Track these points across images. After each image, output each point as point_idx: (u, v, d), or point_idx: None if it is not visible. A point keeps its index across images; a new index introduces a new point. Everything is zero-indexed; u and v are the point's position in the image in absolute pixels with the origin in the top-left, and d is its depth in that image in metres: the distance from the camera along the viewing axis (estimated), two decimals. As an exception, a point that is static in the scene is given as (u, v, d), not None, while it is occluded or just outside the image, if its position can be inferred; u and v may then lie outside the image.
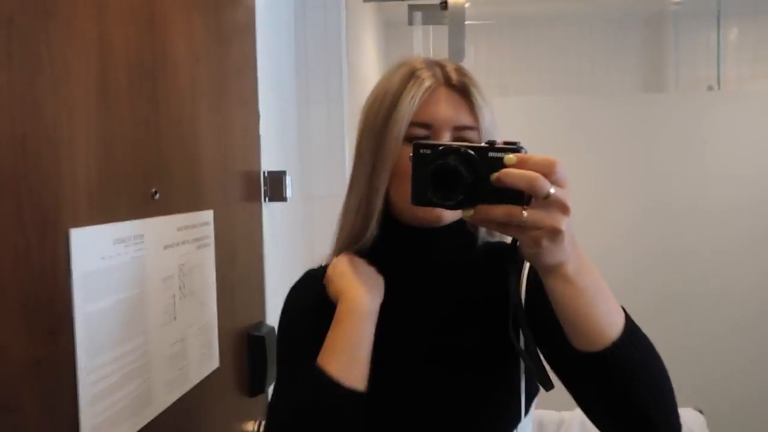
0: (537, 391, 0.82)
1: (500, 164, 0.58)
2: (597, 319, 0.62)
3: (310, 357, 0.74)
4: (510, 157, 0.58)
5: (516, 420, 0.78)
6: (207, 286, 1.03)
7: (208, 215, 1.04)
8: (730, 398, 1.83)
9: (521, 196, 0.57)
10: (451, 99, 0.79)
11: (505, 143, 0.60)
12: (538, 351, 0.72)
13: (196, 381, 0.99)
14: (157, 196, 0.86)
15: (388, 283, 0.80)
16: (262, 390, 1.27)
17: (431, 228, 0.79)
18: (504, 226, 0.59)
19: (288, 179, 1.39)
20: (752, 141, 1.88)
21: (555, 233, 0.57)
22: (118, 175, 0.77)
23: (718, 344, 1.86)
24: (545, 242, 0.58)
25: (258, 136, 1.33)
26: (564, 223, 0.58)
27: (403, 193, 0.73)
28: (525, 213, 0.57)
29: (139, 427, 0.81)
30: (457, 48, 2.63)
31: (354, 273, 0.78)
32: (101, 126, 0.74)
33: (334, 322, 0.75)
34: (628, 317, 0.65)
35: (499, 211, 0.57)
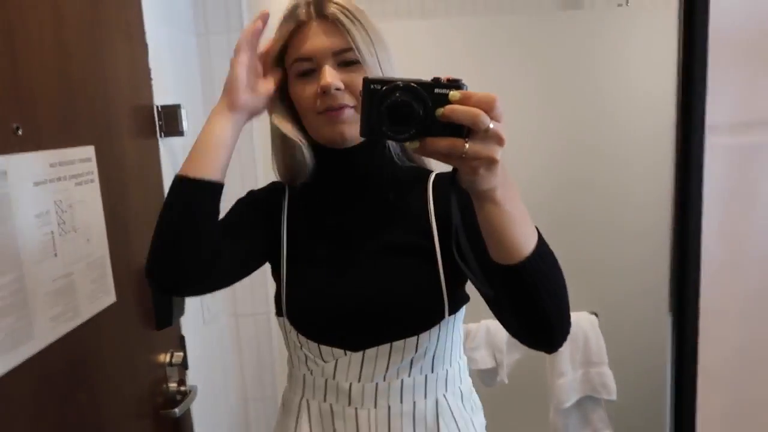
0: (465, 301, 0.93)
1: (445, 100, 0.63)
2: (516, 237, 0.69)
3: (239, 222, 0.95)
4: (454, 94, 0.63)
5: (438, 314, 0.88)
6: (93, 222, 1.03)
7: (87, 151, 1.02)
8: (619, 302, 1.98)
9: (462, 129, 0.62)
10: (323, 28, 0.87)
11: (448, 80, 0.64)
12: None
13: (89, 315, 1.00)
14: (20, 131, 0.84)
15: (324, 197, 0.96)
16: (170, 323, 1.30)
17: (350, 148, 0.90)
18: (447, 156, 0.64)
19: (184, 113, 1.37)
20: (655, 54, 1.94)
21: (491, 162, 0.64)
22: (-33, 111, 0.75)
23: (611, 255, 1.98)
24: (482, 171, 0.64)
25: (148, 69, 1.30)
26: (499, 154, 0.64)
27: (308, 124, 0.91)
28: (467, 145, 0.62)
29: (24, 358, 0.82)
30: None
31: (234, 79, 0.89)
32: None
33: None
34: (540, 237, 0.73)
35: (444, 143, 0.63)
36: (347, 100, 0.86)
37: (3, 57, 0.82)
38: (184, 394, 1.33)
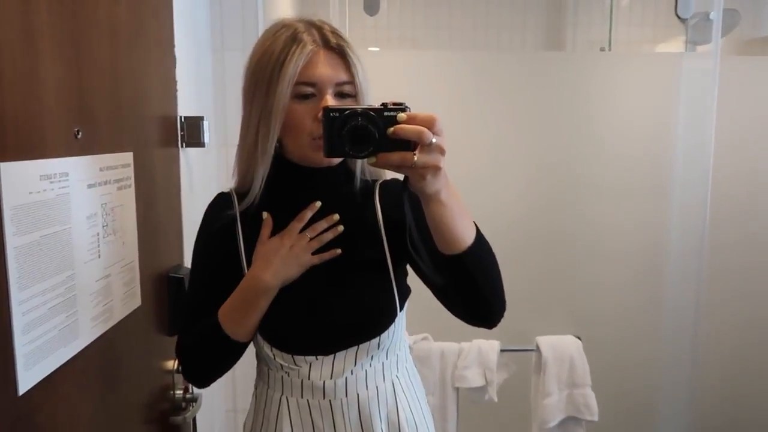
0: (408, 293, 1.05)
1: (394, 120, 0.77)
2: (459, 230, 0.84)
3: (211, 282, 1.02)
4: (402, 116, 0.77)
5: (394, 314, 1.00)
6: (129, 226, 1.06)
7: (127, 157, 1.05)
8: (604, 327, 2.07)
9: (410, 144, 0.76)
10: (330, 59, 0.94)
11: (394, 104, 0.78)
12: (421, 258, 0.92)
13: (120, 317, 1.02)
14: (80, 135, 0.88)
15: (281, 214, 1.00)
16: (182, 329, 1.31)
17: (318, 168, 0.98)
18: (398, 167, 0.78)
19: (206, 124, 1.41)
20: (637, 98, 2.07)
21: (436, 170, 0.77)
22: (42, 113, 0.78)
23: (596, 280, 2.08)
24: (429, 177, 0.78)
25: (174, 81, 1.33)
26: (442, 162, 0.77)
27: (295, 141, 0.96)
28: (415, 157, 0.76)
29: (68, 358, 0.84)
30: (371, 1, 2.65)
31: (271, 255, 0.97)
32: (24, 63, 0.74)
33: (241, 286, 0.97)
34: (478, 231, 0.88)
35: (396, 157, 0.77)
36: None
37: (70, 65, 0.86)
38: (189, 402, 1.35)
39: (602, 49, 2.85)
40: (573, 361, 1.87)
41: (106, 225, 0.96)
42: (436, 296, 0.97)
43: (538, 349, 1.90)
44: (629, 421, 2.14)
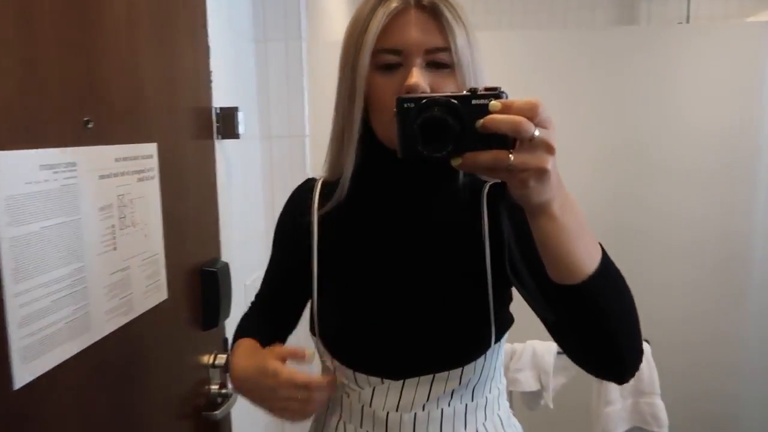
0: (510, 323, 0.87)
1: (485, 111, 0.58)
2: (576, 254, 0.63)
3: (279, 271, 1.00)
4: (494, 104, 0.58)
5: (485, 343, 0.82)
6: (152, 218, 1.04)
7: (150, 148, 1.03)
8: (676, 330, 1.91)
9: (507, 140, 0.58)
10: (421, 20, 0.77)
11: (486, 89, 0.60)
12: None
13: (142, 311, 1.01)
14: (90, 125, 0.86)
15: (366, 207, 0.88)
16: (216, 324, 1.29)
17: None
18: (492, 170, 0.59)
19: (240, 116, 1.38)
20: (721, 73, 1.88)
21: (541, 173, 0.58)
22: (43, 101, 0.76)
23: (670, 277, 1.92)
24: (532, 183, 0.58)
25: (209, 71, 1.31)
26: (550, 163, 0.58)
27: (381, 123, 0.81)
28: (511, 156, 0.57)
29: (76, 351, 0.82)
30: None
31: (251, 379, 0.82)
32: (20, 47, 0.72)
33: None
34: (604, 253, 0.67)
35: (487, 156, 0.58)
36: None
37: (79, 49, 0.84)
38: (225, 397, 1.33)
39: (679, 23, 2.63)
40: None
41: (123, 217, 0.94)
42: (551, 335, 0.77)
43: (599, 353, 1.75)
44: (704, 434, 1.96)
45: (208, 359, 1.31)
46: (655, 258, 1.91)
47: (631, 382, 1.91)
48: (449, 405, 0.85)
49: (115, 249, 0.92)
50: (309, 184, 0.96)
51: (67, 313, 0.80)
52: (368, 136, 0.84)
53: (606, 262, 0.66)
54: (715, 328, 1.93)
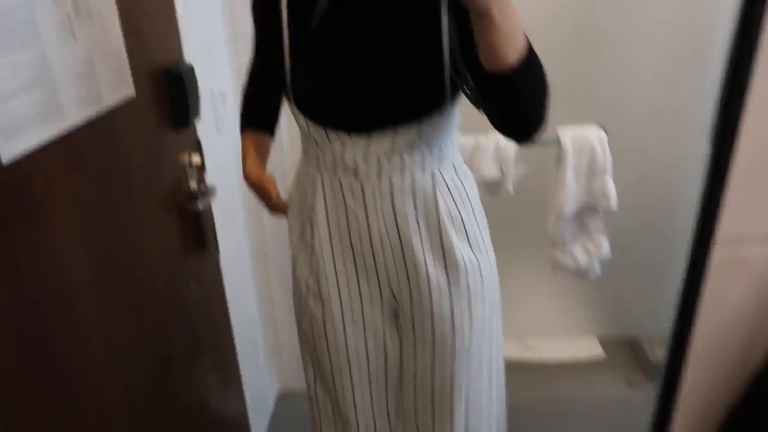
0: (466, 87, 0.97)
1: None
2: (504, 49, 0.76)
3: (260, 31, 1.13)
4: None
5: (440, 98, 0.93)
6: (106, 11, 1.02)
7: (92, -68, 0.98)
8: (629, 117, 1.99)
9: None
10: None
11: None
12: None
13: (111, 102, 1.03)
14: None
15: None
16: (187, 123, 1.33)
17: None
18: None
19: None
20: None
21: None
22: None
23: (624, 68, 1.95)
24: None
25: None
26: None
27: None
28: None
29: (54, 133, 0.86)
30: None
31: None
32: None
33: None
34: (530, 48, 0.80)
35: None
36: None
37: None
38: (205, 192, 1.41)
39: None
40: (594, 151, 1.82)
41: (78, 5, 0.93)
42: (469, 99, 0.91)
43: (558, 141, 1.84)
44: (648, 214, 2.14)
45: (184, 158, 1.37)
46: (623, 44, 1.91)
47: (585, 166, 2.01)
48: (410, 157, 0.97)
49: (74, 38, 0.92)
50: None
51: (38, 97, 0.83)
52: None
53: (529, 56, 0.79)
54: (671, 123, 2.01)
